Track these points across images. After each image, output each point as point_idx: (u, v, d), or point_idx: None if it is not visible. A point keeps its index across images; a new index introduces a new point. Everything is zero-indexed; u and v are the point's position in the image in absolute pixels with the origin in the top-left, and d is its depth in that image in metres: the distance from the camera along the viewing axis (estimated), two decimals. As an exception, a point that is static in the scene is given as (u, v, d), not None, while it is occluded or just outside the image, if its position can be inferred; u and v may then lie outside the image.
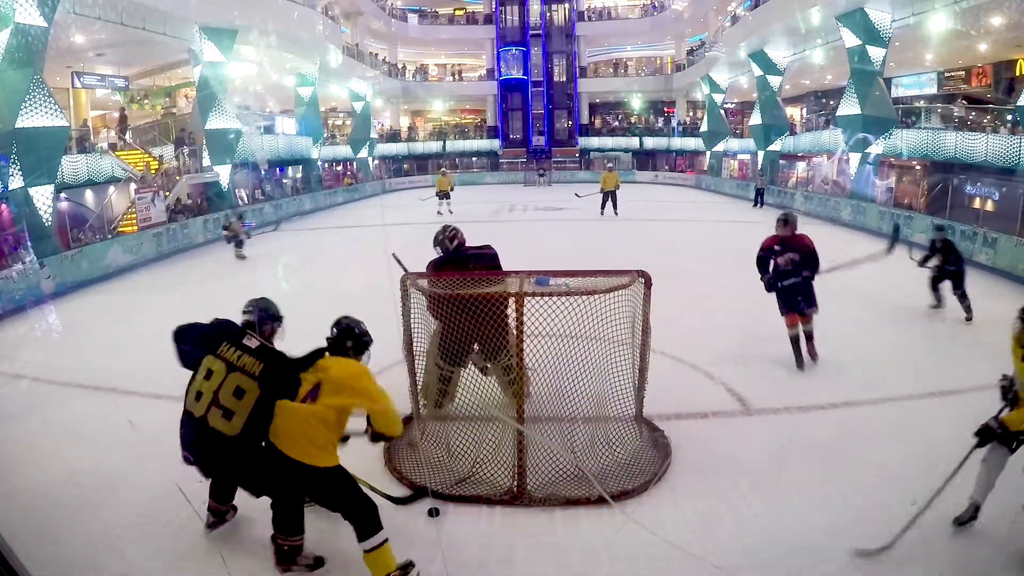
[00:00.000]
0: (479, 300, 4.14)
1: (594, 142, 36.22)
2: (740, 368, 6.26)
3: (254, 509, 4.01)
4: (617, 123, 37.15)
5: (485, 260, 5.10)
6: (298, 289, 10.51)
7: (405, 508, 4.00)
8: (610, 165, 21.94)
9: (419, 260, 5.25)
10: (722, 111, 30.02)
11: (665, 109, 37.09)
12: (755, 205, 21.16)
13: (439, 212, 19.19)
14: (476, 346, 4.62)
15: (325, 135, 27.44)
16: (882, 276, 10.45)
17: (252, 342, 3.67)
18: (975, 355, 6.35)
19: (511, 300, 4.09)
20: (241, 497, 3.75)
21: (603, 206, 18.34)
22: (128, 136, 17.29)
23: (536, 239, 14.22)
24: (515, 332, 4.04)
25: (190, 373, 3.60)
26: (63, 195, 13.27)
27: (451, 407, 4.80)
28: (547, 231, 16.42)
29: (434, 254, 5.31)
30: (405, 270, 5.05)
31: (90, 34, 14.50)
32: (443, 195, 19.88)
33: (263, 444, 3.38)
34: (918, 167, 17.70)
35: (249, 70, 21.06)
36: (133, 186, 15.43)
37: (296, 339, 3.80)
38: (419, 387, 4.76)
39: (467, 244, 5.28)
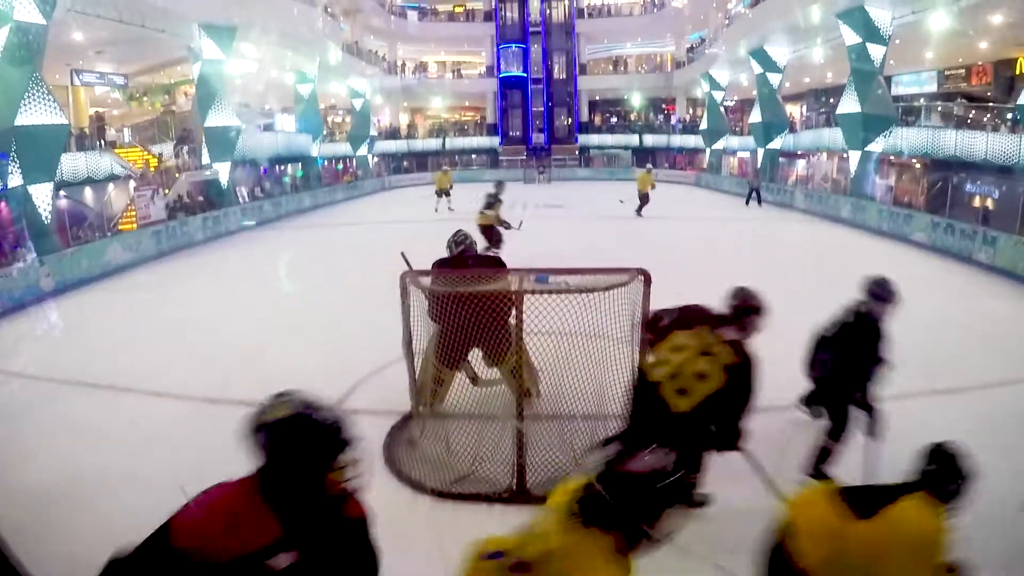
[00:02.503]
0: (481, 301, 4.12)
1: (594, 139, 36.19)
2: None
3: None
4: (617, 120, 37.10)
5: (486, 262, 5.09)
6: (298, 288, 10.52)
7: (405, 508, 4.00)
8: (649, 166, 21.63)
9: (419, 258, 5.25)
10: (722, 109, 29.98)
11: (665, 107, 37.07)
12: (747, 203, 21.04)
13: (436, 209, 19.16)
14: (479, 350, 4.62)
15: (324, 132, 27.41)
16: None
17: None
18: (976, 353, 6.36)
19: (515, 302, 4.08)
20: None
21: (640, 209, 18.03)
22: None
23: (535, 237, 14.22)
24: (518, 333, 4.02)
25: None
26: (62, 193, 13.26)
27: (441, 407, 4.80)
28: (546, 229, 16.41)
29: (438, 251, 5.32)
30: (411, 269, 5.05)
31: (89, 31, 14.49)
32: (442, 192, 19.87)
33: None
34: (918, 165, 17.70)
35: (249, 67, 21.05)
36: (132, 184, 15.42)
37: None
38: (416, 383, 4.76)
39: (475, 252, 5.28)
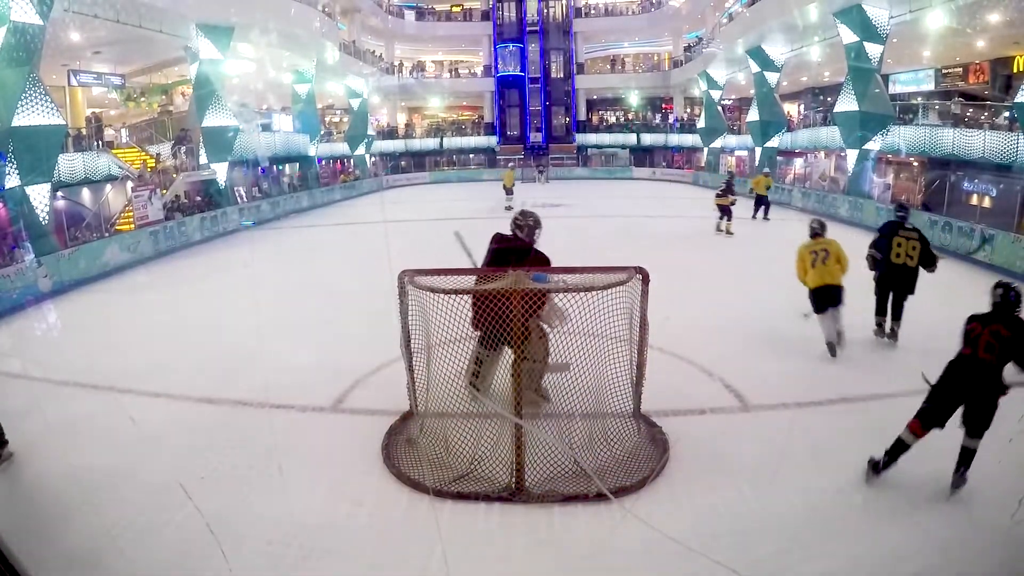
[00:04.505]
0: (505, 296, 4.11)
1: (591, 138, 36.21)
2: (738, 365, 6.27)
3: (251, 507, 4.03)
4: (615, 120, 37.11)
5: (533, 256, 5.11)
6: (296, 288, 10.52)
7: (404, 506, 4.01)
8: (766, 170, 20.87)
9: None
10: (720, 107, 30.01)
11: (663, 105, 37.09)
12: (754, 216, 19.53)
13: (507, 208, 19.14)
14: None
15: (322, 132, 27.39)
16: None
17: None
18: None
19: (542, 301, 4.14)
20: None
21: (756, 211, 17.03)
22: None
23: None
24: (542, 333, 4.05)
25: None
26: (60, 193, 13.23)
27: (488, 391, 4.85)
28: (545, 228, 16.41)
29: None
30: (466, 250, 5.23)
31: (86, 32, 14.46)
32: (509, 190, 20.34)
33: None
34: (915, 164, 17.72)
35: (246, 67, 21.02)
36: (130, 184, 15.40)
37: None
38: (415, 382, 4.75)
39: (532, 238, 5.27)
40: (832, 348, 6.50)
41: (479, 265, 5.13)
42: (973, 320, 4.10)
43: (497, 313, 4.09)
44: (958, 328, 4.13)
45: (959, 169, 15.27)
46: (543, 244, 5.36)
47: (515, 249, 5.11)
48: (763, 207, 16.96)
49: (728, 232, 14.54)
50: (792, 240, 7.22)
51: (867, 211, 16.29)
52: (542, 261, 5.04)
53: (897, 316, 6.83)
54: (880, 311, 6.94)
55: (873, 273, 6.91)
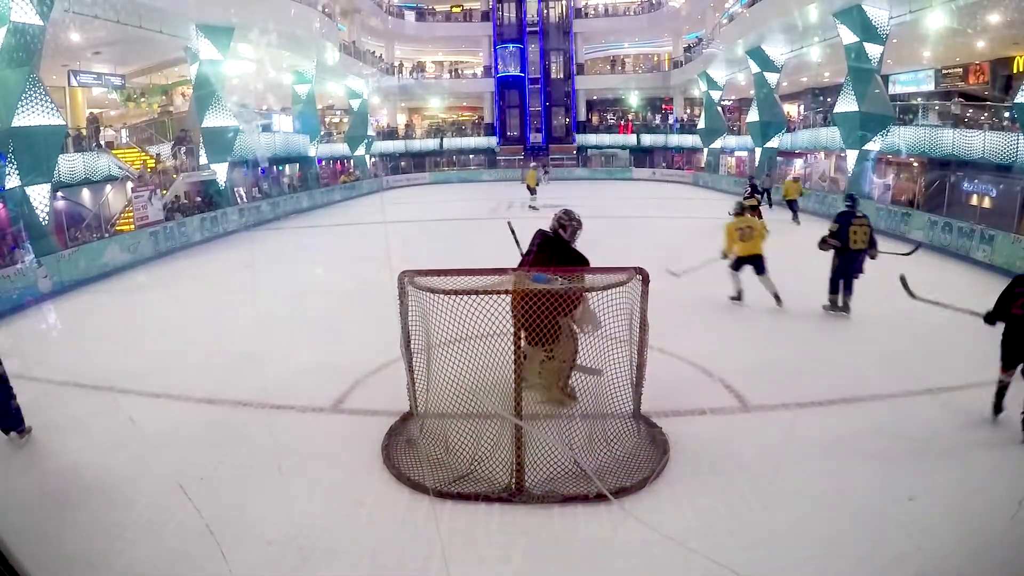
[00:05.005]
0: (534, 295, 4.16)
1: (591, 139, 36.23)
2: (738, 365, 6.27)
3: (251, 507, 4.03)
4: (615, 121, 37.13)
5: (573, 256, 5.18)
6: (296, 288, 10.52)
7: (404, 506, 4.01)
8: (796, 176, 21.09)
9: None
10: (719, 108, 30.03)
11: (663, 106, 37.11)
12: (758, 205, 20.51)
13: (532, 207, 19.44)
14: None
15: (322, 133, 27.40)
16: (877, 276, 10.49)
17: None
18: (971, 353, 6.36)
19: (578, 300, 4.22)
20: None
21: (794, 216, 16.85)
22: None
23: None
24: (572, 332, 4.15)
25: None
26: (60, 194, 13.24)
27: (533, 384, 4.86)
28: (544, 227, 16.42)
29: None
30: (517, 240, 5.52)
31: (87, 32, 14.47)
32: (532, 189, 20.44)
33: None
34: (916, 164, 17.72)
35: (246, 68, 21.02)
36: (130, 184, 15.40)
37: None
38: (415, 383, 4.75)
39: (574, 238, 5.38)
40: (740, 295, 8.43)
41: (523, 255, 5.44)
42: (1020, 285, 4.98)
43: (526, 310, 4.16)
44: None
45: (959, 169, 15.27)
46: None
47: (556, 247, 5.21)
48: (793, 212, 17.05)
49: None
50: (795, 241, 7.28)
51: (867, 211, 16.22)
52: (580, 261, 5.14)
53: (849, 291, 7.94)
54: (834, 290, 8.00)
55: (833, 260, 7.93)
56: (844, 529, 3.71)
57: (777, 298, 8.24)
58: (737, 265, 8.37)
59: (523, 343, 4.71)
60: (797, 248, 11.26)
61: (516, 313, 4.28)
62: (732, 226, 8.38)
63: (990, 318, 5.08)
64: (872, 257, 7.83)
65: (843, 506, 3.95)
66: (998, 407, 5.00)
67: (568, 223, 5.34)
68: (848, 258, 7.80)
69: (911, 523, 3.72)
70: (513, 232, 6.16)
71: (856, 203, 8.17)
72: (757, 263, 8.26)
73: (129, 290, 11.18)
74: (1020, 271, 10.02)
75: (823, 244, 7.90)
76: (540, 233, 5.41)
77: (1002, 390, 4.99)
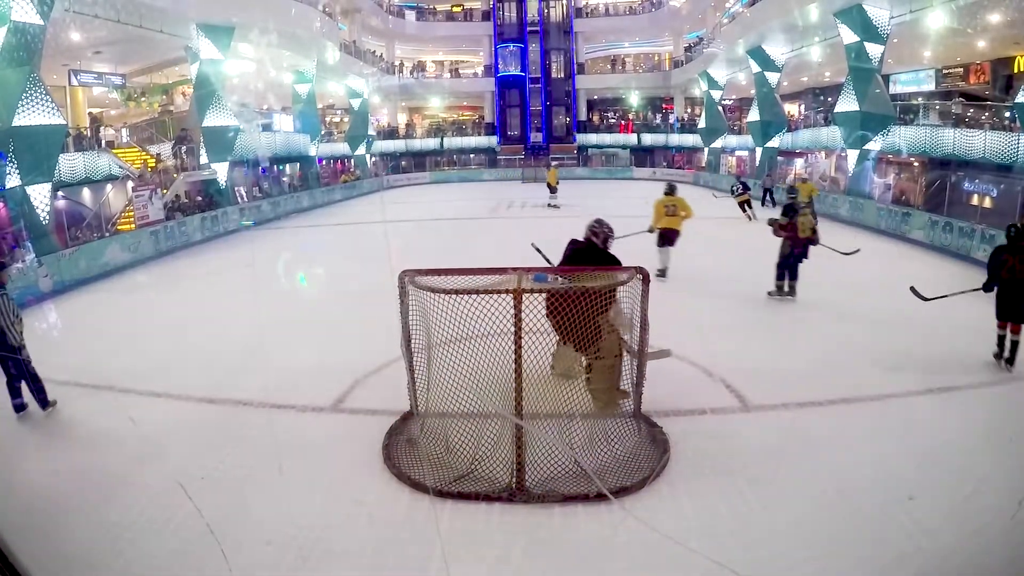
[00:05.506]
0: (568, 295, 4.23)
1: (592, 139, 36.22)
2: (738, 365, 6.27)
3: (251, 507, 4.03)
4: (616, 120, 37.10)
5: (604, 258, 5.30)
6: (296, 288, 10.52)
7: (405, 506, 4.01)
8: (807, 176, 21.33)
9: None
10: (720, 108, 30.01)
11: (663, 106, 37.09)
12: (763, 203, 20.07)
13: (553, 206, 20.03)
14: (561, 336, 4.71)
15: (323, 132, 27.40)
16: (877, 276, 10.49)
17: None
18: (971, 353, 6.38)
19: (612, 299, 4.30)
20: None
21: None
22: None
23: (534, 236, 14.14)
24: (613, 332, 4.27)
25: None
26: (60, 193, 13.24)
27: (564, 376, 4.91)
28: (546, 228, 16.41)
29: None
30: (547, 259, 5.76)
31: (87, 31, 14.47)
32: (553, 188, 20.92)
33: None
34: (916, 164, 17.71)
35: (246, 67, 21.02)
36: (131, 184, 15.41)
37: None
38: (416, 382, 4.75)
39: (606, 245, 5.50)
40: (664, 272, 9.48)
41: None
42: (1003, 252, 5.88)
43: (558, 309, 4.25)
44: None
45: (960, 169, 15.26)
46: (543, 241, 5.44)
47: (589, 254, 5.35)
48: (769, 194, 18.18)
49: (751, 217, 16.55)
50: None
51: (867, 211, 16.28)
52: (613, 262, 5.29)
53: (795, 277, 8.59)
54: (781, 276, 8.65)
55: (783, 248, 8.58)
56: (844, 529, 3.71)
57: (662, 273, 9.36)
58: (663, 242, 9.52)
59: (560, 345, 4.82)
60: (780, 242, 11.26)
61: (553, 319, 4.37)
62: (660, 203, 9.54)
63: (987, 286, 6.01)
64: (814, 243, 8.60)
65: (843, 506, 3.95)
66: (998, 354, 6.06)
67: (600, 230, 5.51)
68: (798, 246, 8.51)
69: (911, 523, 3.72)
70: (540, 251, 6.48)
71: (798, 195, 9.49)
72: (671, 236, 9.50)
73: (129, 289, 11.19)
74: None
75: (777, 232, 8.62)
76: (573, 243, 5.54)
77: (1001, 340, 6.05)
